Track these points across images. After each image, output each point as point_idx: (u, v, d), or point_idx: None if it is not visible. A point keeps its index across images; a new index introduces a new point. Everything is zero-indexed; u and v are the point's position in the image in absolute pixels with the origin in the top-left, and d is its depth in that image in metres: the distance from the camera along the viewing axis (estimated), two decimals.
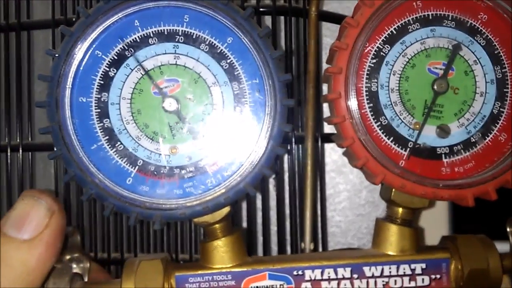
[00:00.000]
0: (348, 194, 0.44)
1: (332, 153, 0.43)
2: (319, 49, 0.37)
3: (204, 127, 0.31)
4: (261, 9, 0.39)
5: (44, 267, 0.28)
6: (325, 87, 0.44)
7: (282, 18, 0.41)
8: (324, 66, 0.44)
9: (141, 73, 0.31)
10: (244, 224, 0.42)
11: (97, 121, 0.31)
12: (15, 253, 0.27)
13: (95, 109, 0.31)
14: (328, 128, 0.42)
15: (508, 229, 0.37)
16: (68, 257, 0.31)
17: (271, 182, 0.41)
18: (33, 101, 0.41)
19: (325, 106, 0.44)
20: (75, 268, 0.31)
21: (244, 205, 0.42)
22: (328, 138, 0.41)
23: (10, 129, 0.39)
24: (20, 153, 0.39)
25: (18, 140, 0.39)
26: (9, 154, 0.39)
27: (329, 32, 0.45)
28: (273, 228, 0.41)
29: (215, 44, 0.31)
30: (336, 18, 0.43)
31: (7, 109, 0.39)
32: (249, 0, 0.41)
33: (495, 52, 0.33)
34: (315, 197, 0.37)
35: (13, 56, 0.40)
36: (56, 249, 0.28)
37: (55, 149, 0.30)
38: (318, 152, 0.40)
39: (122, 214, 0.41)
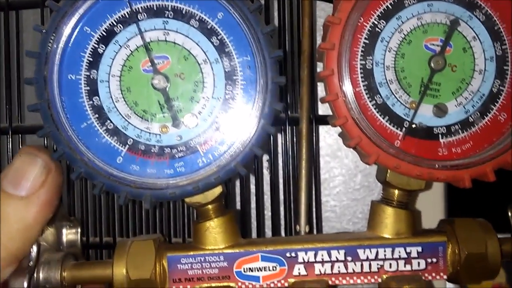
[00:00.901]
0: (343, 178, 0.45)
1: (327, 137, 0.44)
2: (313, 28, 0.38)
3: (194, 106, 0.32)
4: None
5: (41, 224, 0.29)
6: (320, 68, 0.45)
7: None
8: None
9: (130, 50, 0.32)
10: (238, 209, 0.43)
11: (87, 99, 0.32)
12: (13, 210, 0.28)
13: (84, 86, 0.32)
14: (322, 111, 0.43)
15: (510, 214, 0.37)
16: (57, 224, 0.32)
17: (265, 165, 0.42)
18: (22, 84, 0.42)
19: (321, 88, 0.45)
20: (67, 233, 0.33)
21: (237, 190, 0.43)
22: (322, 120, 0.42)
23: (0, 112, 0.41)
24: (10, 135, 0.40)
25: (7, 123, 0.40)
26: None
27: (324, 13, 0.45)
28: (267, 213, 0.42)
29: (205, 19, 0.32)
30: None
31: None
32: None
33: (495, 28, 0.34)
34: (310, 178, 0.38)
35: (1, 36, 0.41)
36: (53, 207, 0.30)
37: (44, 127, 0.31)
38: (312, 134, 0.41)
39: (114, 199, 0.42)
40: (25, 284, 0.29)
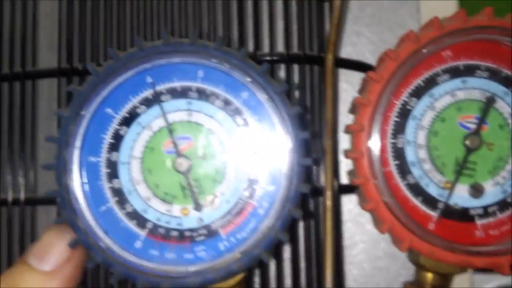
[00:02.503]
0: (364, 245, 0.44)
1: (347, 202, 0.44)
2: (336, 98, 0.39)
3: (216, 188, 0.33)
4: (274, 58, 0.41)
5: None
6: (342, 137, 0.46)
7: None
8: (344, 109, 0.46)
9: (153, 131, 0.33)
10: None
11: (107, 181, 0.33)
12: (34, 283, 0.29)
13: (105, 169, 0.33)
14: (344, 177, 0.43)
15: None
16: None
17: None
18: (36, 155, 0.43)
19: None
20: None
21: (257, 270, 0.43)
22: (345, 189, 0.42)
23: (14, 182, 0.42)
24: (22, 207, 0.41)
25: (21, 194, 0.41)
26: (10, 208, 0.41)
27: (344, 77, 0.46)
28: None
29: (230, 100, 0.33)
30: (353, 65, 0.44)
31: (9, 160, 0.42)
32: (262, 48, 0.43)
33: None
34: (337, 254, 0.38)
35: (17, 106, 0.42)
36: (75, 284, 0.31)
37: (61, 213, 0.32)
38: (338, 205, 0.41)
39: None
40: None
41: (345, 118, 0.46)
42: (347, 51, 0.47)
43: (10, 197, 0.41)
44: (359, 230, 0.46)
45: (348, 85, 0.48)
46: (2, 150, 0.42)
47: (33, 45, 0.43)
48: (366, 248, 0.45)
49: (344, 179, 0.44)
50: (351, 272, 0.46)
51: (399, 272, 0.46)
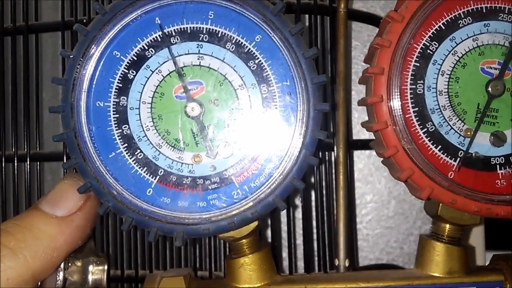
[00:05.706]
0: (375, 205, 0.43)
1: (358, 161, 0.43)
2: (348, 49, 0.36)
3: (229, 134, 0.31)
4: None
5: (69, 247, 0.29)
6: (355, 90, 0.44)
7: (306, 16, 0.41)
8: (354, 66, 0.44)
9: (162, 75, 0.31)
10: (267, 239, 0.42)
11: (115, 127, 0.31)
12: (44, 227, 0.29)
13: (113, 114, 0.31)
14: (355, 134, 0.42)
15: None
16: (84, 260, 0.31)
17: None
18: (41, 108, 0.41)
19: (357, 114, 0.44)
20: (93, 271, 0.32)
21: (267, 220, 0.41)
22: (356, 144, 0.40)
23: (17, 138, 0.40)
24: (28, 163, 0.39)
25: (25, 150, 0.39)
26: (16, 164, 0.39)
27: (354, 33, 0.44)
28: (299, 243, 0.41)
29: (242, 42, 0.31)
30: (364, 17, 0.42)
31: (14, 117, 0.40)
32: None
33: None
34: (349, 207, 0.36)
35: (21, 60, 0.40)
36: (85, 234, 0.30)
37: (69, 158, 0.30)
38: (349, 160, 0.40)
39: (137, 228, 0.41)
40: None
41: (353, 75, 0.44)
42: (357, 7, 0.45)
43: (15, 153, 0.39)
44: (370, 190, 0.44)
45: (358, 42, 0.45)
46: (6, 108, 0.40)
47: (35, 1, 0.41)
48: (376, 207, 0.44)
49: (354, 136, 0.42)
50: (361, 231, 0.44)
51: (410, 231, 0.45)
